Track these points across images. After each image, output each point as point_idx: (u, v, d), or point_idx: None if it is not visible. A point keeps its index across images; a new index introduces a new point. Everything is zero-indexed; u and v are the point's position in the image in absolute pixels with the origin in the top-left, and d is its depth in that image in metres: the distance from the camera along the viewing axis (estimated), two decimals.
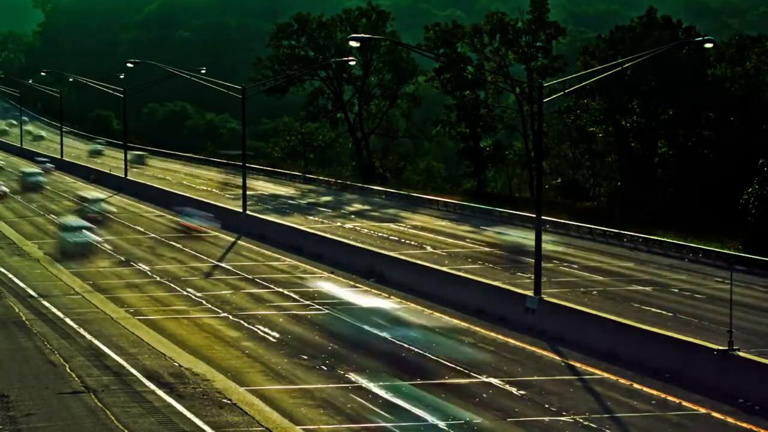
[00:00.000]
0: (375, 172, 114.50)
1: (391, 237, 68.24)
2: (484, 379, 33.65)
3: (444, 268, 51.51)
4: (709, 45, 62.33)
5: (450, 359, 35.65)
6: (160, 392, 31.21)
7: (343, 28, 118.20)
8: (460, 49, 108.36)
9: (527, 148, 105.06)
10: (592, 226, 70.37)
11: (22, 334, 39.69)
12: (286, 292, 48.97)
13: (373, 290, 49.49)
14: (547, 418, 29.54)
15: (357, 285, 50.87)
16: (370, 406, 30.62)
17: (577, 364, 35.68)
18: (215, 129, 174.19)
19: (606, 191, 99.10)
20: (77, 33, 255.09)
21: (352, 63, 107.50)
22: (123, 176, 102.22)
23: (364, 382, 32.94)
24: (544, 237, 48.64)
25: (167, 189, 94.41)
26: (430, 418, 29.34)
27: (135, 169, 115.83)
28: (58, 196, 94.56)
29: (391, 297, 47.81)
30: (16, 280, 51.75)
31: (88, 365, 34.60)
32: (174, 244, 64.99)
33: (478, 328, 41.29)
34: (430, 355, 36.26)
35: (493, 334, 40.36)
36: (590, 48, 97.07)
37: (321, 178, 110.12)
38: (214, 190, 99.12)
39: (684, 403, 31.05)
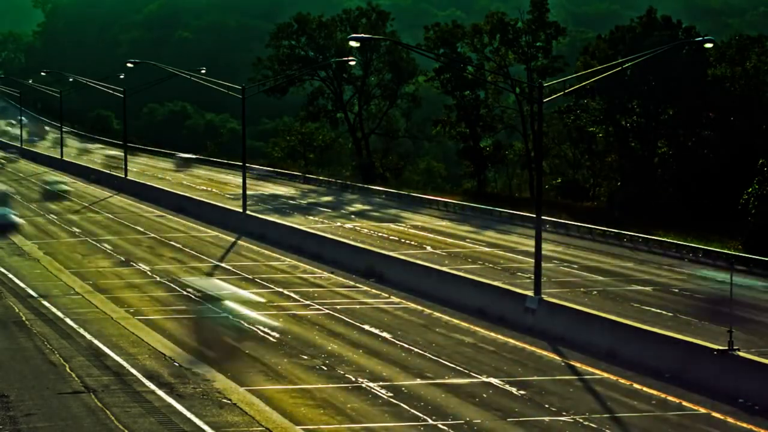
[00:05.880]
0: (375, 172, 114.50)
1: (391, 237, 68.25)
2: (484, 379, 33.67)
3: (444, 268, 51.51)
4: (709, 45, 62.37)
5: None
6: (160, 392, 31.22)
7: (343, 28, 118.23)
8: (460, 49, 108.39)
9: (527, 148, 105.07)
10: (592, 226, 70.37)
11: (22, 334, 39.69)
12: (286, 292, 48.99)
13: (372, 290, 49.53)
14: (547, 418, 29.54)
15: (357, 285, 50.89)
16: (371, 406, 30.64)
17: (577, 364, 35.69)
18: (215, 129, 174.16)
19: (606, 191, 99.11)
20: (77, 33, 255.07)
21: (352, 63, 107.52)
22: (123, 176, 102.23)
23: (364, 382, 32.96)
24: (544, 236, 48.63)
25: (167, 189, 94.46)
26: (431, 418, 29.35)
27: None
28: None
29: (391, 297, 47.84)
30: (16, 280, 51.75)
31: (88, 365, 34.61)
32: (174, 244, 65.02)
33: (478, 328, 41.30)
34: None
35: (493, 334, 40.36)
36: (590, 48, 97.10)
37: (321, 178, 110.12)
38: (214, 189, 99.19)
39: (684, 403, 31.05)
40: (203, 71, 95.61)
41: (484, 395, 31.76)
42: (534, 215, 47.76)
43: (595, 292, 49.06)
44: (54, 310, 44.25)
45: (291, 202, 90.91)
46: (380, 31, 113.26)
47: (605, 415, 29.90)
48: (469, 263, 57.51)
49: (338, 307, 45.33)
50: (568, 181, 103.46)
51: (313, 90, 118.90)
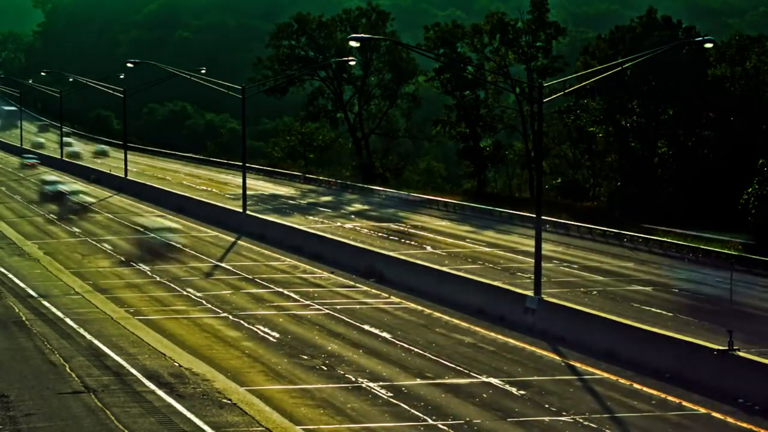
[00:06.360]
0: (375, 172, 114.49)
1: (391, 237, 68.24)
2: (484, 379, 33.66)
3: (444, 268, 51.51)
4: (709, 45, 62.35)
5: None
6: (160, 392, 31.21)
7: (343, 28, 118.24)
8: (460, 49, 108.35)
9: (527, 148, 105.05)
10: (592, 226, 70.37)
11: (22, 334, 39.69)
12: (286, 292, 48.98)
13: (372, 290, 49.52)
14: (547, 418, 29.54)
15: (357, 285, 50.90)
16: (371, 406, 30.64)
17: (577, 364, 35.69)
18: (215, 129, 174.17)
19: (606, 191, 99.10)
20: (77, 33, 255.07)
21: (352, 63, 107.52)
22: (123, 176, 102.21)
23: (364, 382, 32.96)
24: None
25: (167, 189, 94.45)
26: (430, 418, 29.35)
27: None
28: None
29: (391, 297, 47.83)
30: (16, 280, 51.74)
31: (88, 365, 34.60)
32: (174, 244, 64.98)
33: (478, 328, 41.30)
34: None
35: (493, 334, 40.36)
36: (590, 48, 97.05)
37: (321, 178, 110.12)
38: (214, 189, 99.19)
39: (684, 403, 31.06)
40: (203, 71, 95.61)
41: (484, 395, 31.76)
42: (534, 215, 47.77)
43: (595, 292, 49.07)
44: (54, 310, 44.25)
45: (291, 202, 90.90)
46: (380, 31, 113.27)
47: (605, 415, 29.90)
48: (469, 263, 57.50)
49: (338, 307, 45.34)
50: (568, 181, 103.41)
51: (313, 90, 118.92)
